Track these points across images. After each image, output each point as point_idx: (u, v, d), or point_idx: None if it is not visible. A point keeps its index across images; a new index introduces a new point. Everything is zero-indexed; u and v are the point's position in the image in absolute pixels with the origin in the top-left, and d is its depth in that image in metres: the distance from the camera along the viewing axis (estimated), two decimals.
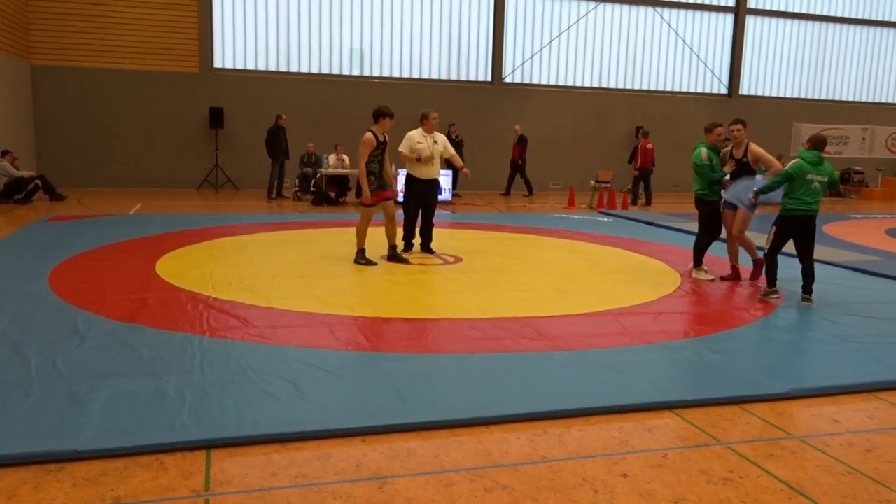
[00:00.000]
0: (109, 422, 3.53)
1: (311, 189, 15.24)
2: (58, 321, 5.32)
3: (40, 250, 8.22)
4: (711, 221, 7.80)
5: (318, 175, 14.94)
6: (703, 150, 7.80)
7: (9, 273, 6.99)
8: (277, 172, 15.42)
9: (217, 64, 17.54)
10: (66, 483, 3.02)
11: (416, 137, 8.69)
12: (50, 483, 3.01)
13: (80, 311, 5.60)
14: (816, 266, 8.43)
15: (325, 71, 18.34)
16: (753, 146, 7.74)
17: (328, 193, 14.78)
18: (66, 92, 16.39)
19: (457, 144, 16.52)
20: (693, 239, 10.63)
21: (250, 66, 17.79)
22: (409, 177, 8.85)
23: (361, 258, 8.04)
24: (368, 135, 7.83)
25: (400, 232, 8.62)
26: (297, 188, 15.84)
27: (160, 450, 3.31)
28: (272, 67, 17.96)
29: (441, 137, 8.86)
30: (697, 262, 7.90)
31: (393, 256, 8.24)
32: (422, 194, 8.77)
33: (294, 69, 18.13)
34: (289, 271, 7.51)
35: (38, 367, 4.28)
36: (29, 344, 4.72)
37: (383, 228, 8.23)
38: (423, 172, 8.70)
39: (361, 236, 8.08)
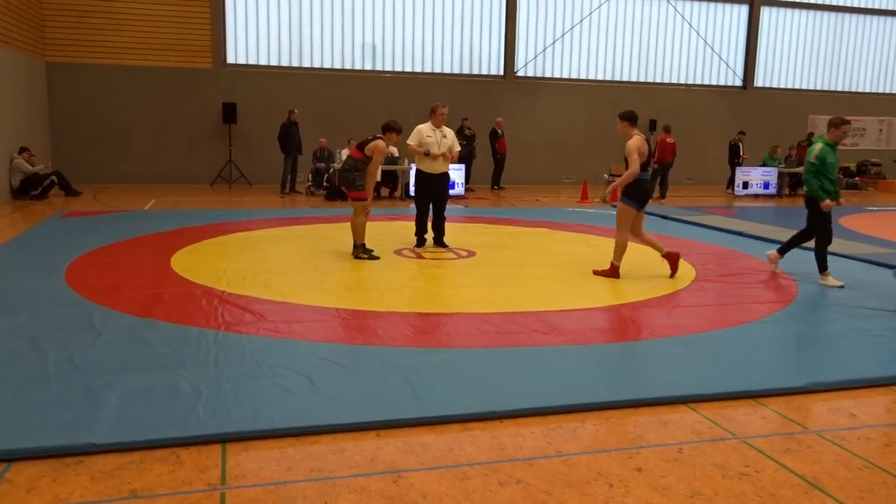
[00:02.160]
0: (126, 416, 3.55)
1: (324, 184, 15.26)
2: (74, 316, 5.36)
3: (56, 246, 8.29)
4: (823, 224, 7.14)
5: (331, 170, 14.96)
6: (817, 147, 7.05)
7: (25, 269, 7.05)
8: (290, 168, 15.48)
9: (230, 59, 17.58)
10: (84, 476, 3.04)
11: (425, 131, 8.68)
12: (68, 476, 3.04)
13: (96, 306, 5.64)
14: (832, 259, 8.40)
15: (338, 66, 18.35)
16: (629, 141, 7.28)
17: (341, 188, 14.77)
18: (80, 88, 16.48)
19: (469, 139, 16.50)
20: (706, 232, 10.63)
21: (263, 62, 17.82)
22: (418, 172, 8.85)
23: (363, 252, 8.07)
24: (382, 144, 7.92)
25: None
26: (309, 183, 15.88)
27: (176, 443, 3.33)
28: (285, 63, 17.98)
29: (449, 132, 8.84)
30: (822, 268, 7.21)
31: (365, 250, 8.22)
32: (431, 189, 8.76)
33: (306, 64, 18.14)
34: (302, 266, 7.53)
35: (55, 361, 4.32)
36: (46, 339, 4.76)
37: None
38: (431, 167, 8.69)
39: (361, 231, 8.10)
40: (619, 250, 7.39)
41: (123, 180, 16.75)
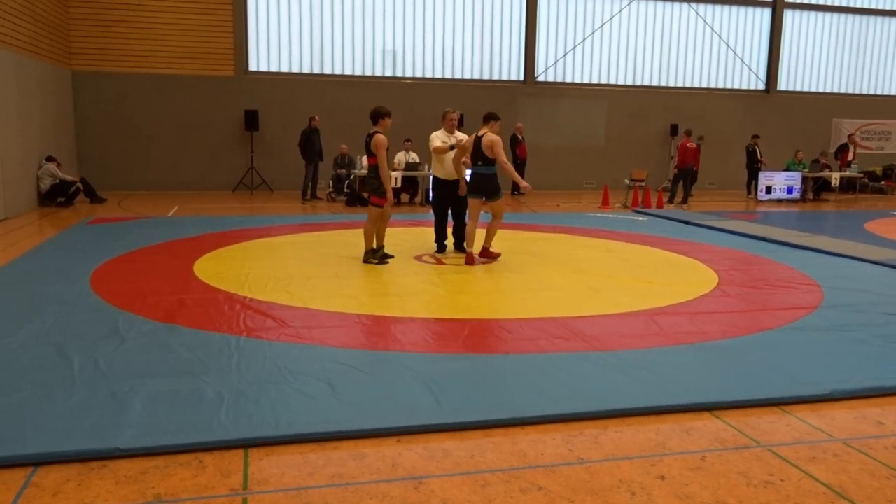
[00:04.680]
0: (150, 421, 3.59)
1: (345, 190, 15.34)
2: (99, 322, 5.42)
3: (82, 252, 8.40)
4: None
5: (352, 176, 15.03)
6: None
7: (51, 274, 7.15)
8: (311, 174, 15.57)
9: (252, 67, 17.75)
10: (109, 481, 3.07)
11: (441, 137, 8.67)
12: (93, 481, 3.07)
13: (121, 312, 5.71)
14: (858, 264, 8.32)
15: (358, 72, 18.45)
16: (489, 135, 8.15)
17: (362, 194, 14.85)
18: (105, 97, 16.71)
19: None
20: (728, 237, 10.53)
21: (284, 69, 17.97)
22: (434, 179, 8.85)
23: (373, 257, 8.09)
24: (382, 137, 7.89)
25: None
26: (330, 189, 15.96)
27: (199, 448, 3.35)
28: (306, 70, 18.12)
29: (463, 138, 8.74)
30: None
31: (385, 256, 8.22)
32: (449, 195, 8.73)
33: (327, 71, 18.26)
34: (323, 272, 7.57)
35: (80, 366, 4.37)
36: (71, 344, 4.82)
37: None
38: (447, 173, 8.64)
39: (370, 237, 8.13)
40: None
41: (147, 187, 16.95)
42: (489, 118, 8.36)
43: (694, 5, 20.46)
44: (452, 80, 18.98)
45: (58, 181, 13.54)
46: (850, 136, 20.06)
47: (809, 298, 6.67)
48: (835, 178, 17.80)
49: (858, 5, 21.77)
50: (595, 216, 13.48)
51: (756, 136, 18.46)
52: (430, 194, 11.25)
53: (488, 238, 8.39)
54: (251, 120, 17.04)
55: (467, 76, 19.16)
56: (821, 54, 21.83)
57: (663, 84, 20.63)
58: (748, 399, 4.10)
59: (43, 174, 13.43)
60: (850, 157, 18.79)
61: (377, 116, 8.01)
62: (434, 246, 8.92)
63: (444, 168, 8.69)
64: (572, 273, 7.81)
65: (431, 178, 8.95)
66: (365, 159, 10.70)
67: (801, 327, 5.68)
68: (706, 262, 8.53)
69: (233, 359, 4.61)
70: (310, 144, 15.32)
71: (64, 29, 15.97)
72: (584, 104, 19.86)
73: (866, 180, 20.00)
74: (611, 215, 13.71)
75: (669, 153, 20.24)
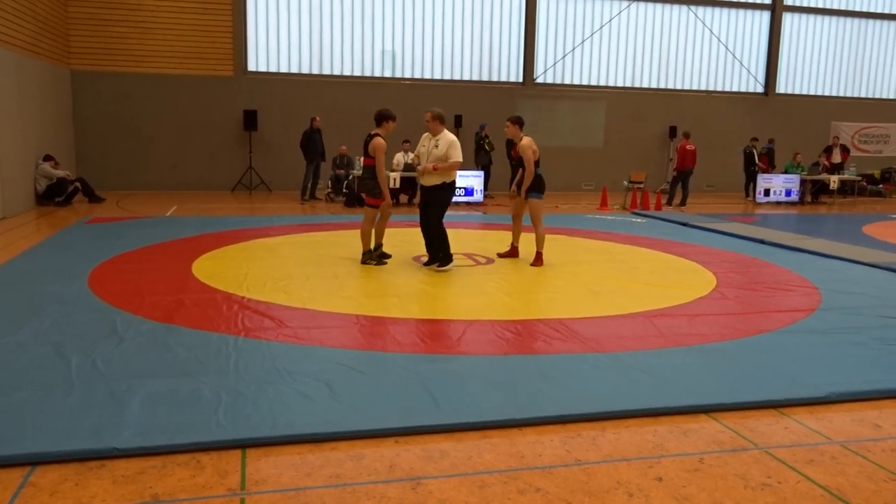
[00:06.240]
0: (148, 421, 3.59)
1: (344, 191, 15.34)
2: (97, 321, 5.42)
3: (80, 252, 8.39)
4: None
5: (351, 177, 15.03)
6: None
7: (49, 274, 7.14)
8: (311, 174, 15.57)
9: (251, 67, 17.75)
10: (107, 480, 3.07)
11: (422, 141, 8.09)
12: (91, 480, 3.07)
13: (119, 312, 5.70)
14: (856, 267, 8.33)
15: (358, 73, 18.45)
16: (522, 143, 8.18)
17: (361, 195, 14.84)
18: (104, 97, 16.70)
19: (486, 151, 16.49)
20: (727, 240, 10.54)
21: (284, 69, 17.97)
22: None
23: (371, 257, 8.08)
24: (381, 141, 7.84)
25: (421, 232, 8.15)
26: (329, 190, 15.95)
27: (197, 449, 3.35)
28: (305, 70, 18.12)
29: (445, 141, 7.74)
30: None
31: (382, 255, 8.18)
32: (424, 199, 8.06)
33: (326, 72, 18.27)
34: (322, 272, 7.57)
35: (78, 366, 4.37)
36: (69, 344, 4.82)
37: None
38: (422, 178, 8.01)
39: (367, 238, 8.11)
40: (542, 240, 8.42)
41: (146, 187, 16.93)
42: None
43: (693, 8, 20.48)
44: (451, 81, 18.99)
45: (54, 181, 13.51)
46: (834, 137, 20.06)
47: (807, 301, 6.68)
48: (833, 181, 17.82)
49: (857, 8, 21.81)
50: (593, 218, 13.49)
51: (754, 139, 18.49)
52: None
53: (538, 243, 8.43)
54: (250, 120, 17.03)
55: (466, 77, 19.17)
56: (819, 57, 21.86)
57: (662, 86, 20.65)
58: (746, 401, 4.10)
59: (39, 175, 13.40)
60: (838, 159, 18.82)
61: (381, 119, 7.98)
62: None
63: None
64: (570, 274, 7.81)
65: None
66: (362, 159, 10.69)
67: (798, 330, 5.69)
68: (704, 265, 8.54)
69: (231, 359, 4.61)
70: (311, 144, 15.33)
71: (63, 28, 15.96)
72: (583, 106, 19.87)
73: (864, 183, 20.03)
74: (609, 217, 13.72)
75: (668, 155, 20.26)
